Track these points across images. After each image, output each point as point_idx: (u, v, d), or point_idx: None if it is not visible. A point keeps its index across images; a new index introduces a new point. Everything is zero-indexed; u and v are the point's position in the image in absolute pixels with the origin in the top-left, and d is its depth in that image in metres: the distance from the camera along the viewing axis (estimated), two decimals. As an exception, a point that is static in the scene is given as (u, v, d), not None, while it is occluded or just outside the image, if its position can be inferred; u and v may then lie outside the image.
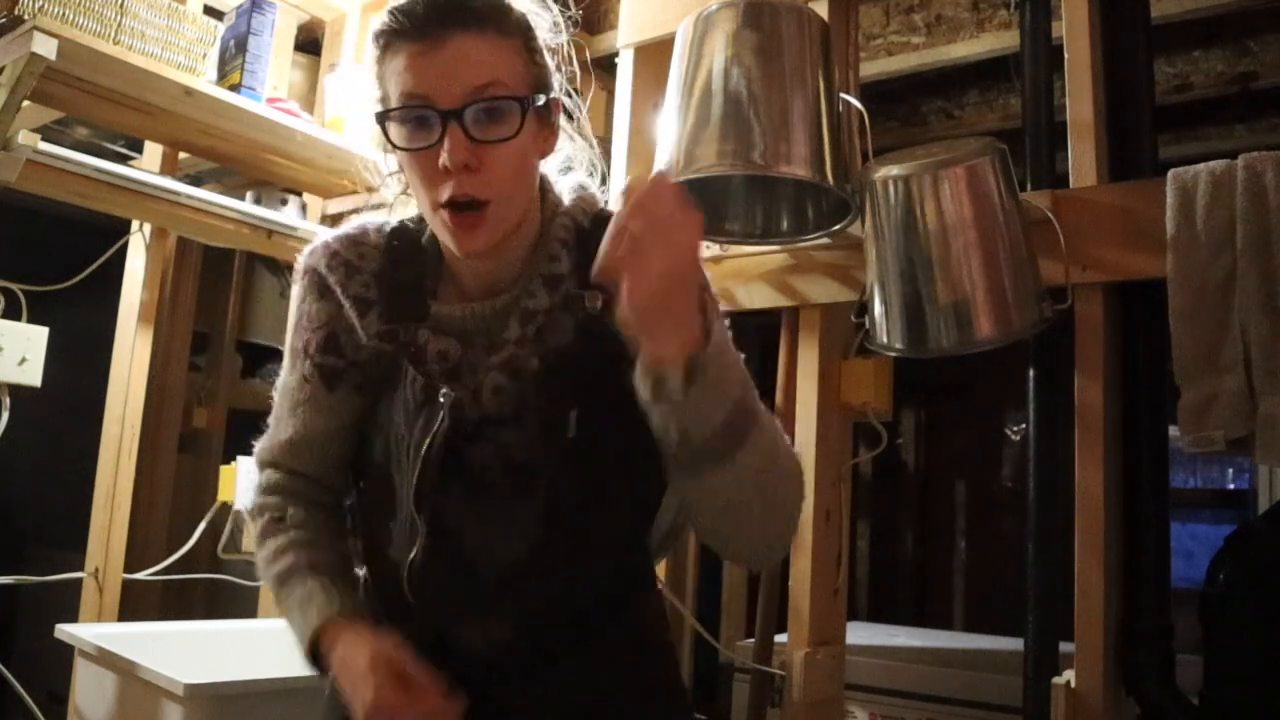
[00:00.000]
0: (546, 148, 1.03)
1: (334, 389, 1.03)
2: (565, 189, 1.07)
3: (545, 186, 1.05)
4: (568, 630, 0.98)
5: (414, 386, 0.97)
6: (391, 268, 1.03)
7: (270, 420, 1.09)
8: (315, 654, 0.96)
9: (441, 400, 0.95)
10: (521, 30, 0.98)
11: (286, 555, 1.01)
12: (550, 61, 1.02)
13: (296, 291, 1.07)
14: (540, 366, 0.96)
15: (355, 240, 1.05)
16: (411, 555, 0.96)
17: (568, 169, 1.10)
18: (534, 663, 0.97)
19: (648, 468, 0.97)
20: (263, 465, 1.09)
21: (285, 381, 1.07)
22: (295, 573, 1.00)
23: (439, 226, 0.96)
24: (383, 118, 0.95)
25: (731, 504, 0.91)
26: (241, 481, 2.31)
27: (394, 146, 0.96)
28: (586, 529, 0.98)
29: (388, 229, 1.06)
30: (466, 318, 1.00)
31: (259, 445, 1.09)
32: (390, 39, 0.93)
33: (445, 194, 0.92)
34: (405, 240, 1.05)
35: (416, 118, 0.92)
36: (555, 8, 1.05)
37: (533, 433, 0.95)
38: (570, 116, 1.08)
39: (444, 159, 0.90)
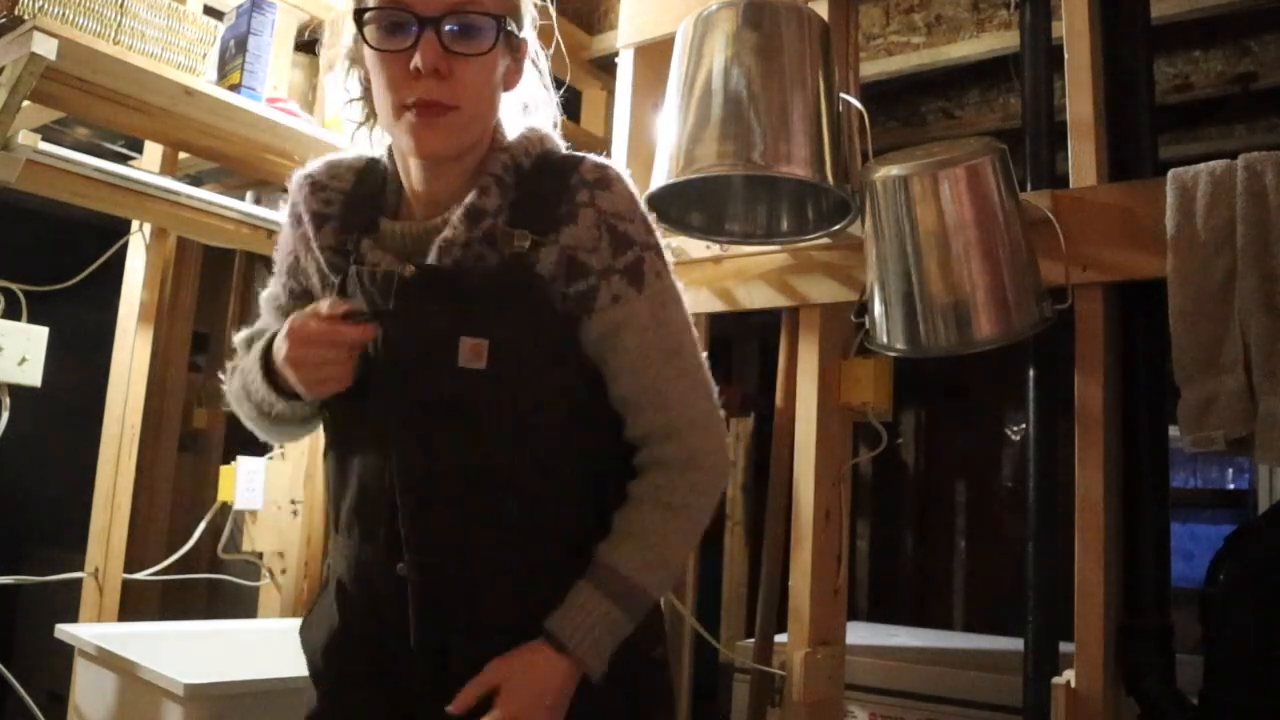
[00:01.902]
0: (511, 81, 1.05)
1: (295, 307, 1.06)
2: (515, 128, 1.08)
3: (496, 123, 1.06)
4: (504, 594, 0.97)
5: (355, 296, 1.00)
6: (356, 187, 1.08)
7: (258, 322, 1.18)
8: (274, 382, 1.04)
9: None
10: None
11: (236, 374, 1.13)
12: (526, 6, 1.05)
13: (289, 196, 1.12)
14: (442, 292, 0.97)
15: (331, 164, 1.11)
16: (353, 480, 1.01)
17: (525, 107, 1.11)
18: (474, 634, 0.96)
19: (577, 419, 0.99)
20: (237, 347, 1.17)
21: (265, 293, 1.15)
22: (242, 362, 1.10)
23: (401, 131, 0.97)
24: (360, 15, 0.97)
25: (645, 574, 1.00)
26: (241, 481, 2.31)
27: (368, 45, 0.97)
28: (496, 482, 0.96)
29: (366, 157, 1.11)
30: (403, 234, 1.02)
31: (237, 336, 1.19)
32: None
33: (411, 97, 0.95)
34: (375, 167, 1.09)
35: (393, 21, 0.95)
36: None
37: (421, 356, 0.97)
38: (538, 68, 1.11)
39: (416, 60, 0.93)
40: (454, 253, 0.98)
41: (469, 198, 1.00)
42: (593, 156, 1.04)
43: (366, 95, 1.06)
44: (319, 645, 1.05)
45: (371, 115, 1.08)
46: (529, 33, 1.06)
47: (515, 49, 1.04)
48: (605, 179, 1.01)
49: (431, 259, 0.98)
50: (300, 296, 1.09)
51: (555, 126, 1.12)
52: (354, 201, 1.07)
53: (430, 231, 1.00)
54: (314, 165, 1.11)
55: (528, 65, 1.07)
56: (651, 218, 1.06)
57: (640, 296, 0.99)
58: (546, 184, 1.01)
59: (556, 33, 1.10)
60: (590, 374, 1.01)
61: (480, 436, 0.96)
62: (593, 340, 1.00)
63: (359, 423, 1.01)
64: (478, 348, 0.95)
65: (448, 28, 0.95)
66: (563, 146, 1.08)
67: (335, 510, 1.06)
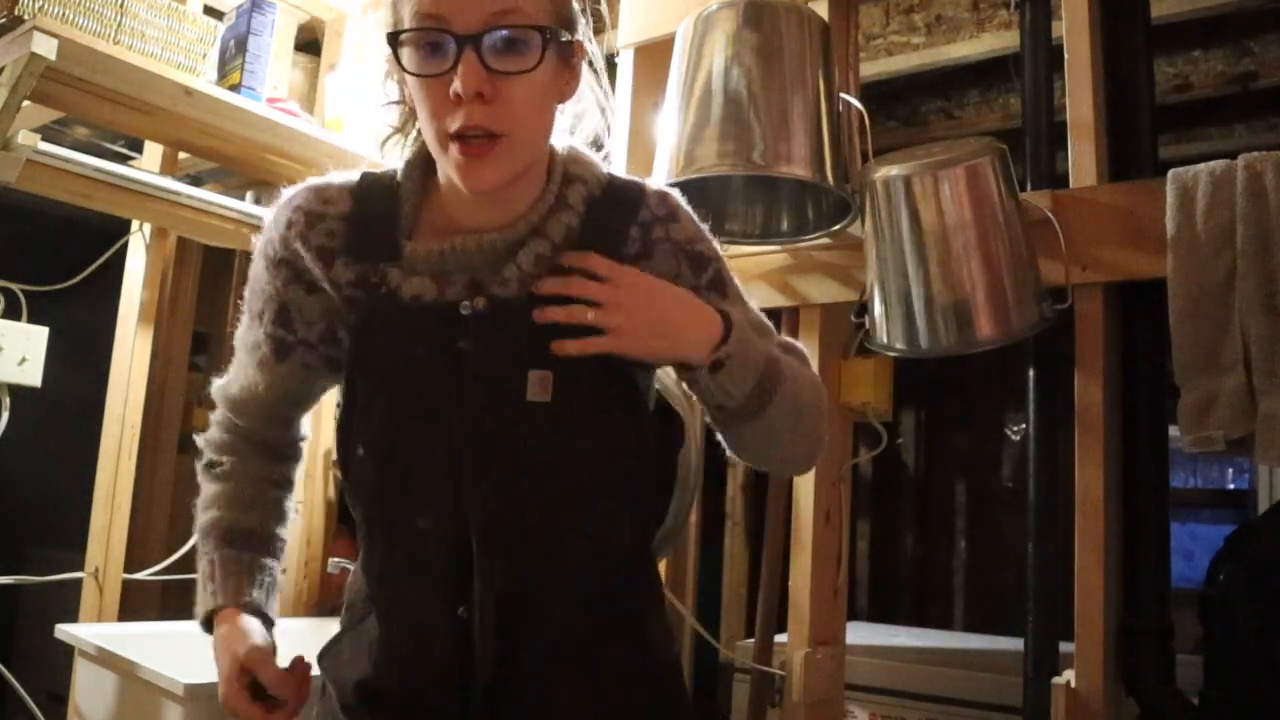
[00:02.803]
0: (567, 90, 0.98)
1: (283, 360, 1.02)
2: (562, 149, 1.02)
3: (564, 149, 1.01)
4: (567, 639, 0.95)
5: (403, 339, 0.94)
6: (359, 207, 0.98)
7: (234, 359, 1.09)
8: (209, 623, 1.01)
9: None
10: None
11: (210, 510, 1.05)
12: (577, 7, 0.97)
13: (256, 245, 1.02)
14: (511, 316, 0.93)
15: (318, 189, 1.00)
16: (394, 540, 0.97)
17: (576, 119, 1.05)
18: (534, 676, 0.94)
19: (640, 459, 0.98)
20: (219, 402, 1.10)
21: (242, 333, 1.06)
22: (211, 534, 1.04)
23: (449, 164, 0.90)
24: (394, 39, 0.89)
25: (766, 442, 1.01)
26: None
27: (404, 71, 0.90)
28: (559, 517, 0.94)
29: (355, 176, 1.02)
30: (444, 255, 0.94)
31: (216, 382, 1.11)
32: None
33: (455, 124, 0.87)
34: (375, 182, 1.00)
35: (430, 42, 0.87)
36: None
37: (490, 391, 0.92)
38: (594, 70, 1.03)
39: (456, 85, 0.85)
40: (525, 282, 0.93)
41: (564, 216, 0.96)
42: (651, 185, 1.03)
43: (405, 103, 1.00)
44: (350, 681, 0.99)
45: (410, 120, 1.01)
46: (584, 33, 0.98)
47: (569, 56, 0.96)
48: (672, 212, 1.02)
49: (497, 290, 0.93)
50: (297, 346, 1.01)
51: (608, 133, 1.08)
52: (360, 226, 0.97)
53: (485, 254, 0.94)
54: (297, 195, 1.00)
55: (585, 70, 1.00)
56: (705, 227, 1.06)
57: (727, 300, 1.02)
58: (616, 217, 0.99)
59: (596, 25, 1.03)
60: (646, 396, 1.01)
61: (547, 471, 0.93)
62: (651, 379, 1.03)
63: (418, 460, 0.95)
64: (545, 380, 0.91)
65: (489, 44, 0.86)
66: (604, 167, 1.04)
67: (379, 553, 0.99)
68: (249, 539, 1.05)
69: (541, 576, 0.94)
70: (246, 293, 1.04)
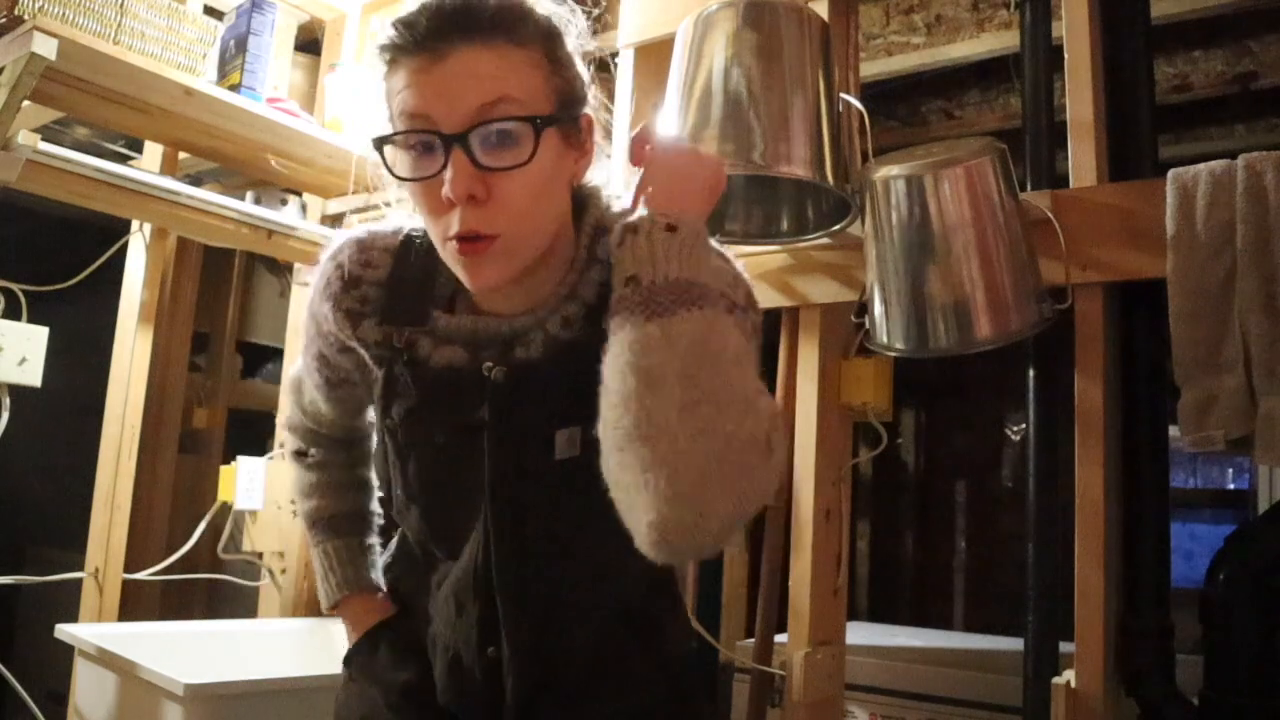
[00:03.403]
0: (577, 170, 0.92)
1: (335, 389, 1.07)
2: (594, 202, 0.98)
3: (590, 203, 0.96)
4: (595, 663, 0.98)
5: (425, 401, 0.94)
6: (398, 271, 0.96)
7: (292, 376, 1.15)
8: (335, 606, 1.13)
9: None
10: (543, 36, 0.87)
11: (311, 498, 1.16)
12: (583, 70, 0.92)
13: (311, 282, 1.01)
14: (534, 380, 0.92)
15: (363, 245, 0.98)
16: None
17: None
18: (563, 699, 0.97)
19: None
20: (293, 398, 1.16)
21: (303, 359, 1.08)
22: (318, 524, 1.15)
23: (452, 263, 0.88)
24: (381, 142, 0.85)
25: (645, 393, 0.76)
26: (241, 481, 2.32)
27: (395, 177, 0.87)
28: (585, 560, 0.96)
29: (402, 234, 0.99)
30: (475, 331, 0.93)
31: (290, 376, 1.16)
32: (392, 54, 0.85)
33: (452, 229, 0.83)
34: (417, 246, 0.98)
35: (418, 143, 0.83)
36: (580, 13, 0.95)
37: (518, 457, 0.93)
38: (607, 135, 0.98)
39: (446, 189, 0.82)
40: (552, 346, 0.91)
41: (586, 291, 0.92)
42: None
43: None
44: (395, 682, 1.04)
45: None
46: (592, 97, 0.93)
47: (575, 135, 0.90)
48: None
49: (519, 353, 0.91)
50: (341, 384, 1.04)
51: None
52: (395, 292, 0.95)
53: (515, 330, 0.92)
54: (343, 250, 0.98)
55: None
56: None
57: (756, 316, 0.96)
58: None
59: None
60: None
61: (579, 521, 0.93)
62: None
63: (451, 520, 0.97)
64: (572, 436, 0.90)
65: (478, 141, 0.82)
66: (611, 204, 0.99)
67: (421, 571, 1.04)
68: (352, 523, 1.15)
69: (568, 615, 0.96)
70: (304, 319, 1.05)
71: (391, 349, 0.94)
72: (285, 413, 1.21)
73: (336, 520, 1.15)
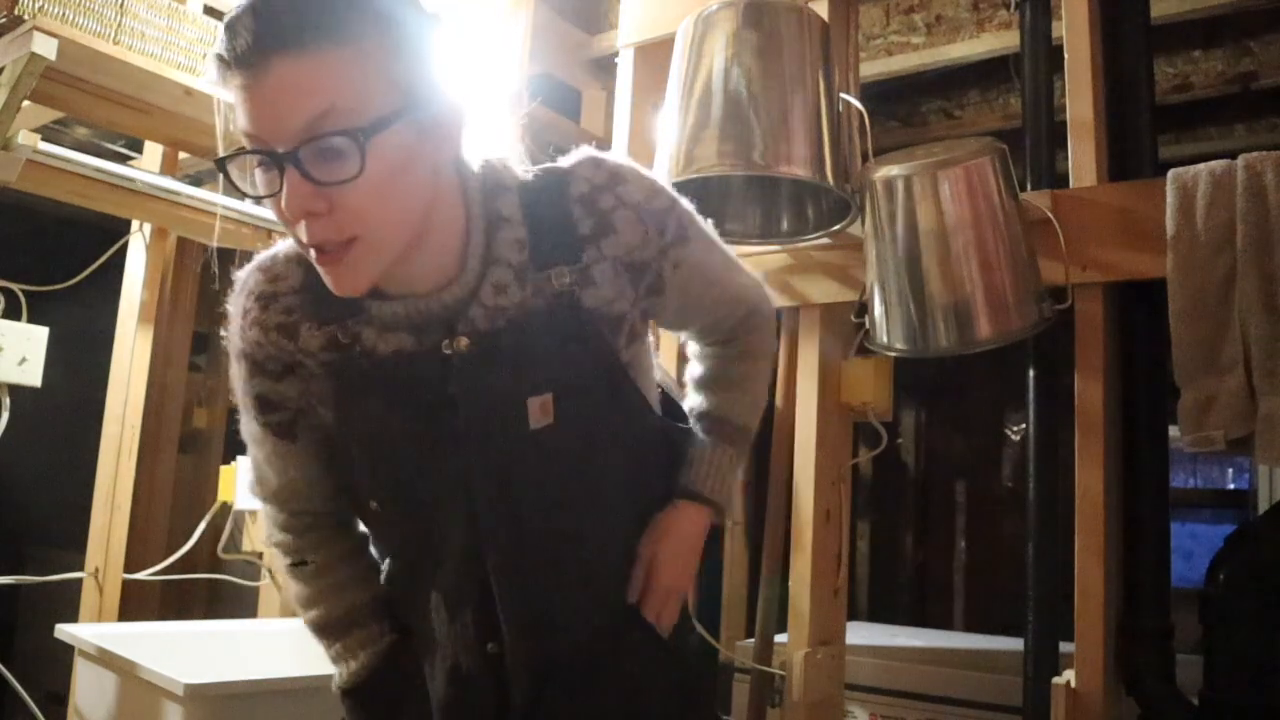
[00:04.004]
0: (440, 156, 0.87)
1: (294, 439, 0.99)
2: (486, 154, 0.95)
3: (461, 164, 0.92)
4: (597, 652, 0.98)
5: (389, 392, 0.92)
6: (309, 276, 0.93)
7: (249, 456, 1.06)
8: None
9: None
10: (376, 24, 0.80)
11: (313, 608, 1.05)
12: (420, 66, 0.84)
13: (229, 333, 1.00)
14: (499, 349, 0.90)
15: (265, 268, 0.97)
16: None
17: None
18: (567, 693, 0.96)
19: (652, 453, 1.01)
20: (264, 501, 1.08)
21: (245, 429, 1.03)
22: (329, 630, 1.04)
23: (319, 270, 0.86)
24: (221, 164, 0.83)
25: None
26: (241, 481, 2.31)
27: (243, 194, 0.85)
28: (579, 538, 0.96)
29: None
30: (410, 313, 0.91)
31: (251, 480, 1.08)
32: (220, 70, 0.80)
33: (304, 237, 0.82)
34: None
35: (258, 160, 0.80)
36: None
37: (493, 428, 0.91)
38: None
39: (283, 206, 0.80)
40: (507, 314, 0.90)
41: (507, 252, 0.91)
42: (581, 156, 0.96)
43: None
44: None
45: None
46: (437, 83, 0.85)
47: (423, 127, 0.84)
48: (613, 174, 0.95)
49: (470, 327, 0.90)
50: (293, 423, 0.99)
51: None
52: (316, 293, 0.92)
53: (455, 299, 0.91)
54: (248, 280, 0.97)
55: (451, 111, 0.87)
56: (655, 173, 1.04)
57: (690, 247, 1.00)
58: (552, 204, 0.93)
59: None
60: (648, 394, 1.03)
61: (558, 493, 0.93)
62: (672, 309, 1.03)
63: (433, 509, 0.95)
64: (545, 405, 0.90)
65: (307, 157, 0.78)
66: (519, 163, 0.98)
67: (404, 587, 1.02)
68: (361, 615, 1.04)
69: (566, 596, 0.96)
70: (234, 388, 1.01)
71: (339, 348, 0.93)
72: (264, 533, 1.11)
73: (345, 621, 1.04)
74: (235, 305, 0.98)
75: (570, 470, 0.93)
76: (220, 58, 0.79)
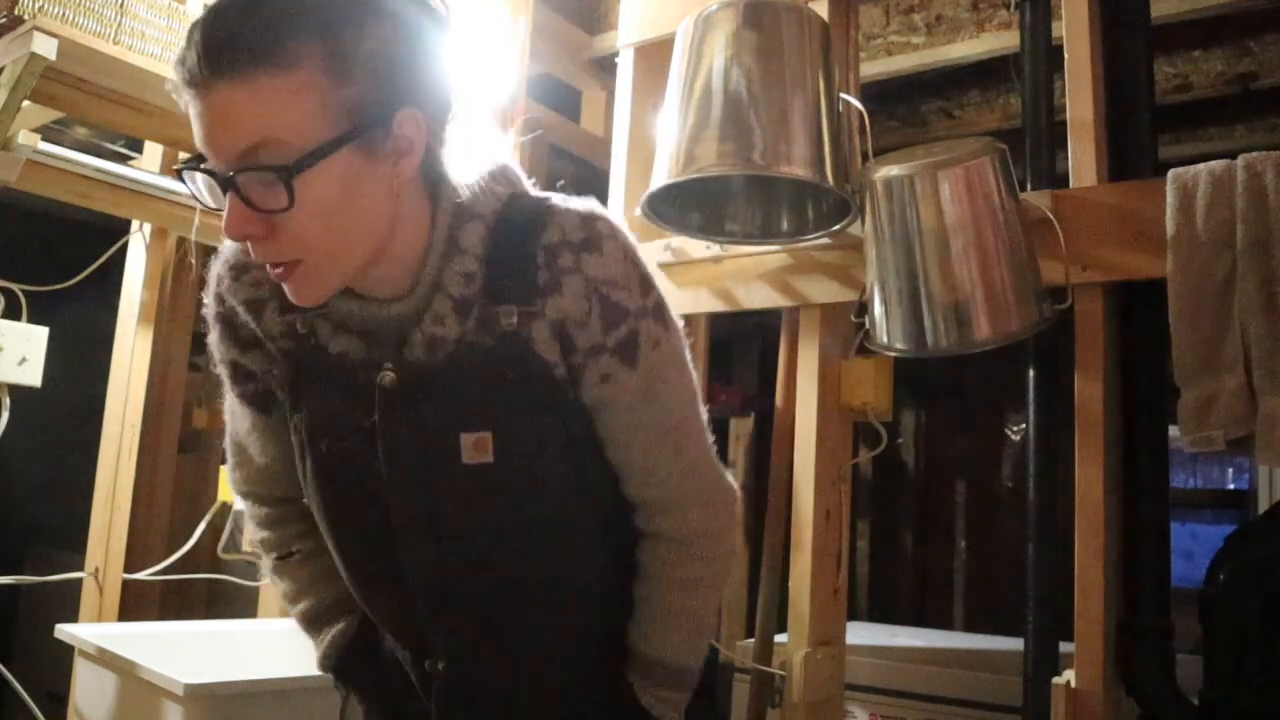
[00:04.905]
0: (399, 171, 0.83)
1: (268, 413, 0.99)
2: (482, 168, 0.91)
3: (438, 181, 0.89)
4: (545, 680, 0.97)
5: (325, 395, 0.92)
6: None
7: (228, 441, 1.06)
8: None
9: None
10: (319, 50, 0.76)
11: (302, 600, 1.06)
12: (400, 61, 0.80)
13: (206, 302, 1.00)
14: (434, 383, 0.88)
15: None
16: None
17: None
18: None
19: (594, 498, 0.95)
20: (244, 496, 1.08)
21: (228, 403, 1.03)
22: (318, 620, 1.06)
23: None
24: (178, 172, 0.83)
25: None
26: (241, 481, 2.31)
27: (200, 204, 0.84)
28: (515, 575, 0.93)
29: None
30: (365, 317, 0.90)
31: (230, 474, 1.08)
32: (177, 83, 0.79)
33: (252, 253, 0.83)
34: None
35: (208, 173, 0.80)
36: None
37: (422, 459, 0.90)
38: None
39: (223, 224, 0.79)
40: (446, 347, 0.87)
41: (453, 285, 0.87)
42: (576, 205, 0.90)
43: None
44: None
45: None
46: (402, 97, 0.81)
47: (384, 139, 0.80)
48: (592, 239, 0.87)
49: (420, 355, 0.88)
50: (261, 397, 0.99)
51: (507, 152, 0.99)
52: None
53: (400, 317, 0.89)
54: (225, 249, 0.96)
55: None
56: (652, 266, 0.97)
57: (633, 373, 0.90)
58: (519, 246, 0.87)
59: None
60: (595, 440, 0.95)
61: (494, 530, 0.91)
62: (586, 409, 0.93)
63: (358, 530, 0.95)
64: (482, 442, 0.87)
65: (244, 184, 0.77)
66: (525, 179, 0.94)
67: (359, 596, 1.02)
68: (350, 601, 1.04)
69: (499, 630, 0.95)
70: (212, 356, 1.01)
71: (296, 337, 0.92)
72: (248, 526, 1.11)
73: (333, 610, 1.05)
74: (211, 273, 0.97)
75: (508, 510, 0.91)
76: (176, 70, 0.78)
